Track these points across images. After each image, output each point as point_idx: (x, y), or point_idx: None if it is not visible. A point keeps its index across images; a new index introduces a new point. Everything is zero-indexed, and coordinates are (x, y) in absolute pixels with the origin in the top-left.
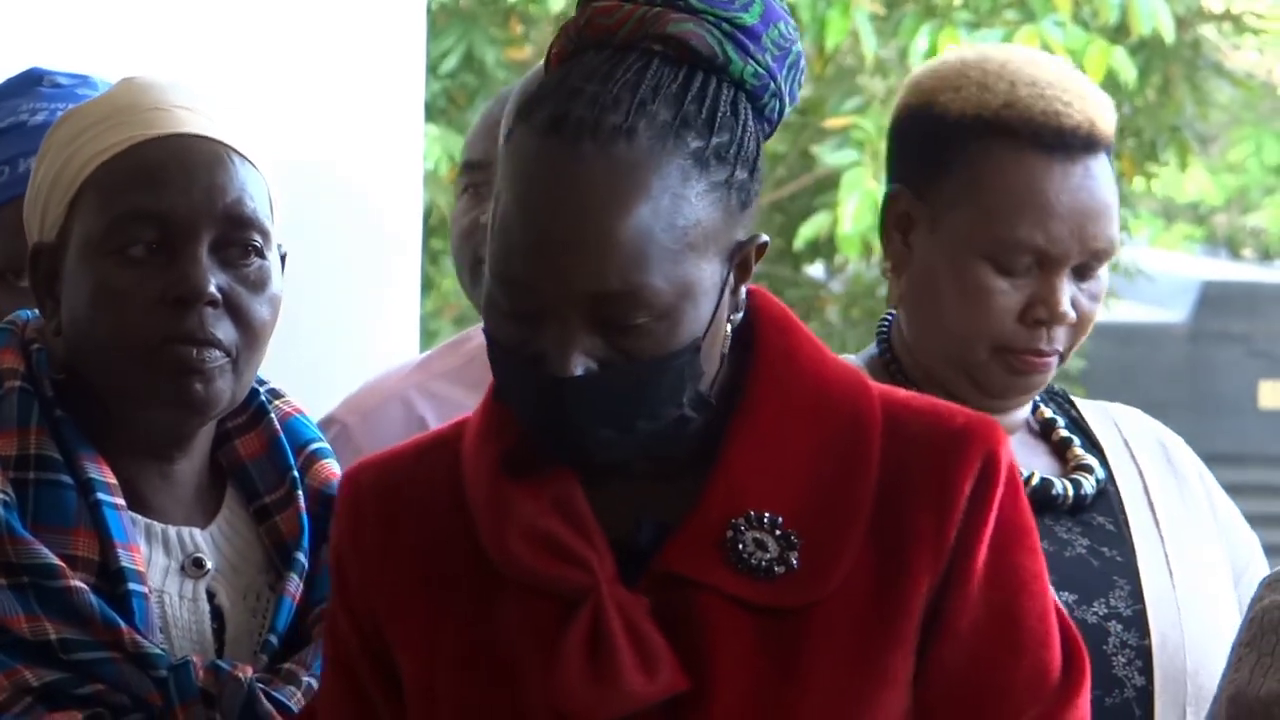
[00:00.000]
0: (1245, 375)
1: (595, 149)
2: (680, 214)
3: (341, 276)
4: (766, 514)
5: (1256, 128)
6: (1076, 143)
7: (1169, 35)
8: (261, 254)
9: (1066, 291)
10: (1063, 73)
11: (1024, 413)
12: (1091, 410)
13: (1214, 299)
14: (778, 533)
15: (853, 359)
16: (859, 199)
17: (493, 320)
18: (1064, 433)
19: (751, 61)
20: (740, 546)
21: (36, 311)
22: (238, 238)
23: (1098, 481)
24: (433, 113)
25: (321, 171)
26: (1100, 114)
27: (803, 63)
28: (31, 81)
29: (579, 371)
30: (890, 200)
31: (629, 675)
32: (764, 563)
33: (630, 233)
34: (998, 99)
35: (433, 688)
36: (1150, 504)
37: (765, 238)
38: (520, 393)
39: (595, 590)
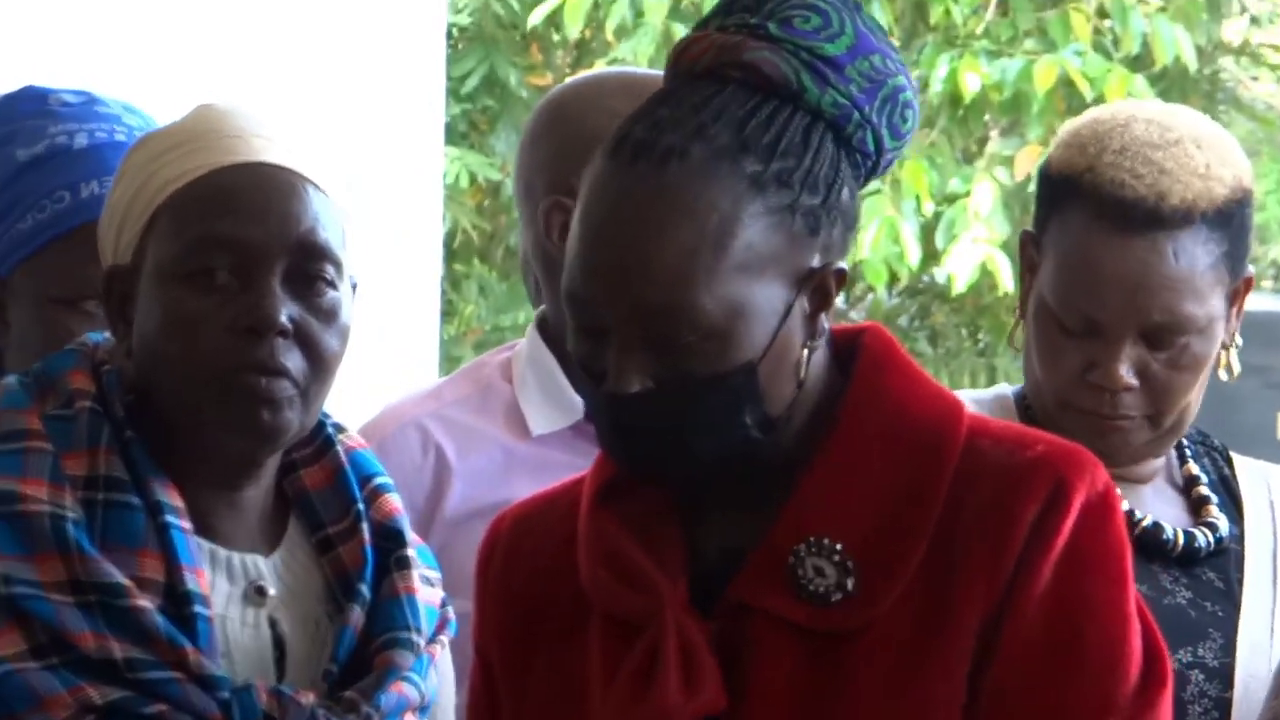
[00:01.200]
0: (1265, 406)
1: (649, 169)
2: (730, 235)
3: (360, 303)
4: (826, 539)
5: (1275, 161)
6: (1137, 216)
7: (1192, 65)
8: (334, 285)
9: (1125, 359)
10: (1168, 140)
11: (1157, 462)
12: (1247, 470)
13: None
14: (836, 559)
15: (1005, 390)
16: (879, 225)
17: (570, 336)
18: (1204, 490)
19: (831, 90)
20: (800, 573)
21: (107, 334)
22: (310, 268)
23: (1218, 539)
24: (454, 135)
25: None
26: (1185, 190)
27: (904, 96)
28: (36, 100)
29: (634, 388)
30: (1020, 243)
31: (670, 695)
32: (822, 588)
33: (673, 251)
34: (1085, 162)
35: (520, 712)
36: (1276, 569)
37: (844, 265)
38: (591, 410)
39: (660, 616)
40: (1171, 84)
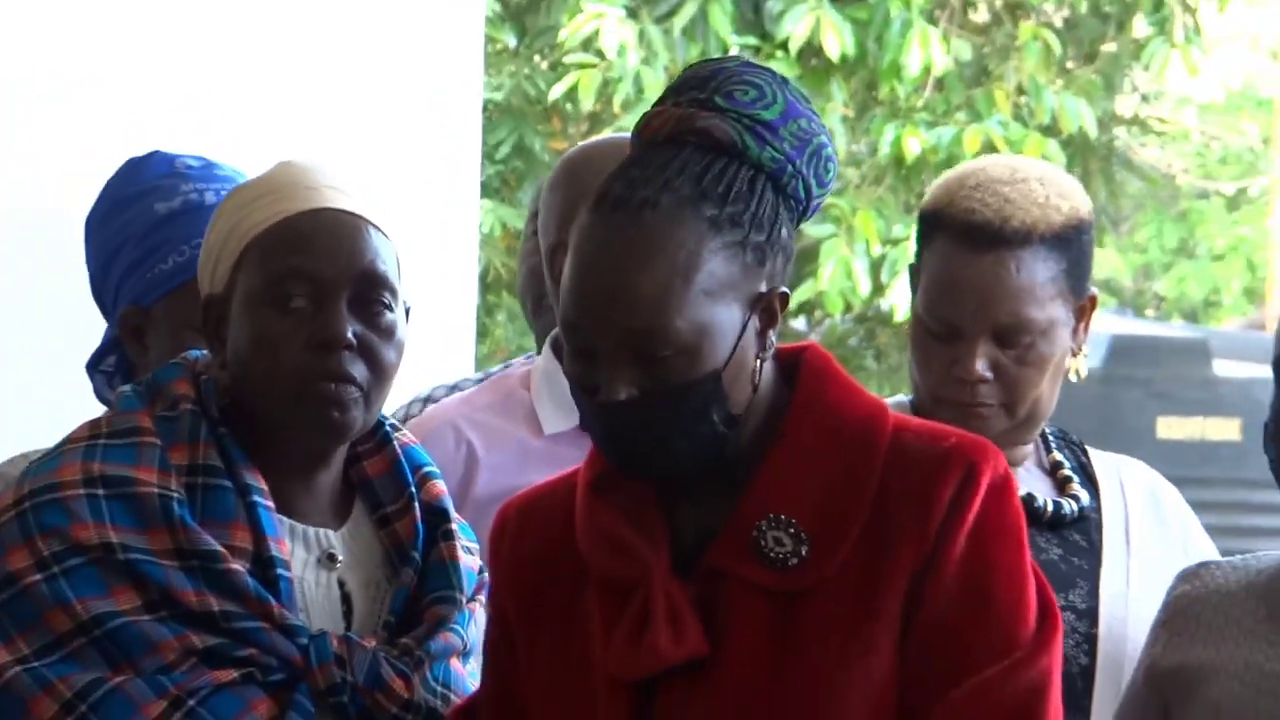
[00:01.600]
0: (1146, 412)
1: (626, 218)
2: (696, 267)
3: (412, 325)
4: (783, 515)
5: (1158, 213)
6: (985, 236)
7: (1092, 133)
8: (390, 308)
9: (980, 355)
10: (1015, 178)
11: (1026, 449)
12: (1100, 458)
13: (1121, 350)
14: (791, 531)
15: (902, 397)
16: (835, 263)
17: (565, 359)
18: (1067, 471)
19: (769, 148)
20: (762, 543)
21: (205, 351)
22: (371, 294)
23: (1080, 508)
24: (489, 190)
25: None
26: (1025, 215)
27: (826, 152)
28: (165, 164)
29: (622, 397)
30: (910, 275)
31: (661, 643)
32: (781, 555)
33: (651, 282)
34: (947, 199)
35: (533, 663)
36: (1127, 533)
37: (785, 290)
38: (587, 418)
39: (647, 580)
40: (1076, 149)
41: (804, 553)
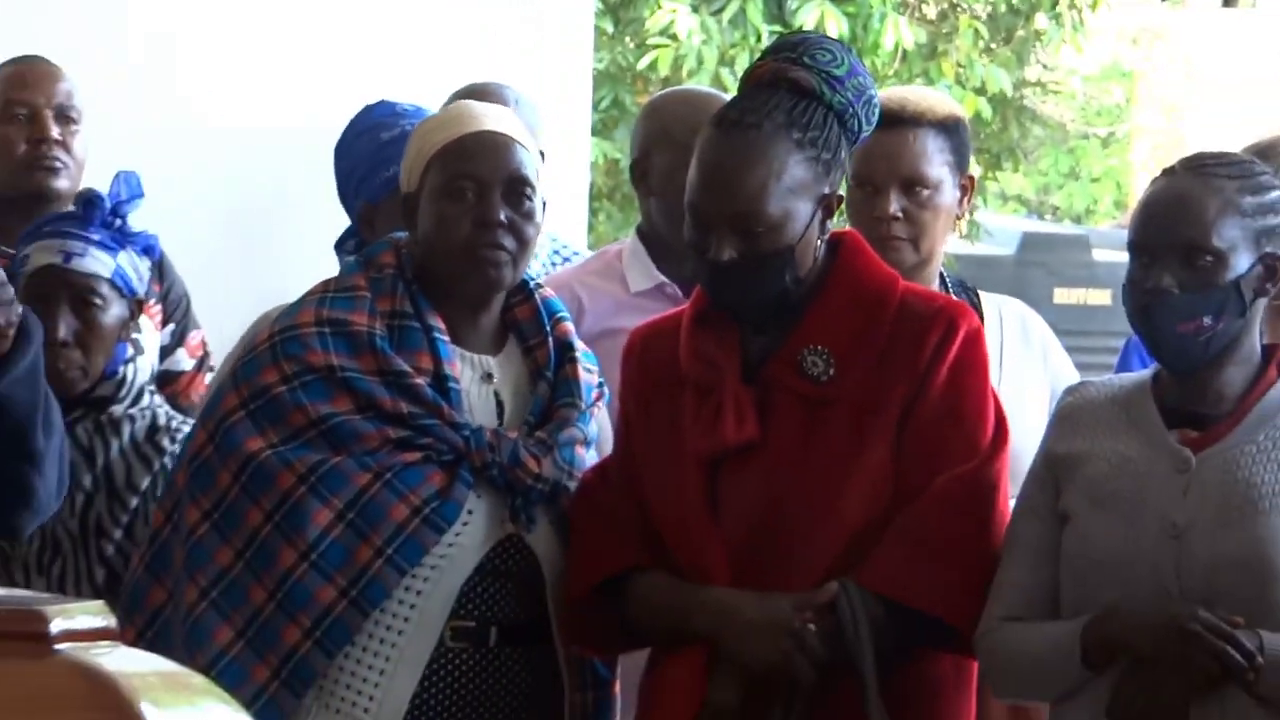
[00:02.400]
0: (1046, 285)
1: (738, 134)
2: (783, 172)
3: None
4: (820, 346)
5: (1054, 149)
6: (890, 117)
7: (1009, 93)
8: (530, 199)
9: (892, 201)
10: (915, 89)
11: (931, 286)
12: (987, 299)
13: (1029, 243)
14: (825, 357)
15: None
16: None
17: (687, 229)
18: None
19: (838, 95)
20: (804, 364)
21: (405, 233)
22: (517, 189)
23: None
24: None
25: None
26: (917, 106)
27: (875, 101)
28: (387, 107)
29: (725, 258)
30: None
31: (727, 429)
32: (815, 373)
33: (753, 181)
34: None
35: (645, 443)
36: (1001, 349)
37: (840, 193)
38: (699, 271)
39: (722, 384)
40: (998, 104)
41: (831, 373)
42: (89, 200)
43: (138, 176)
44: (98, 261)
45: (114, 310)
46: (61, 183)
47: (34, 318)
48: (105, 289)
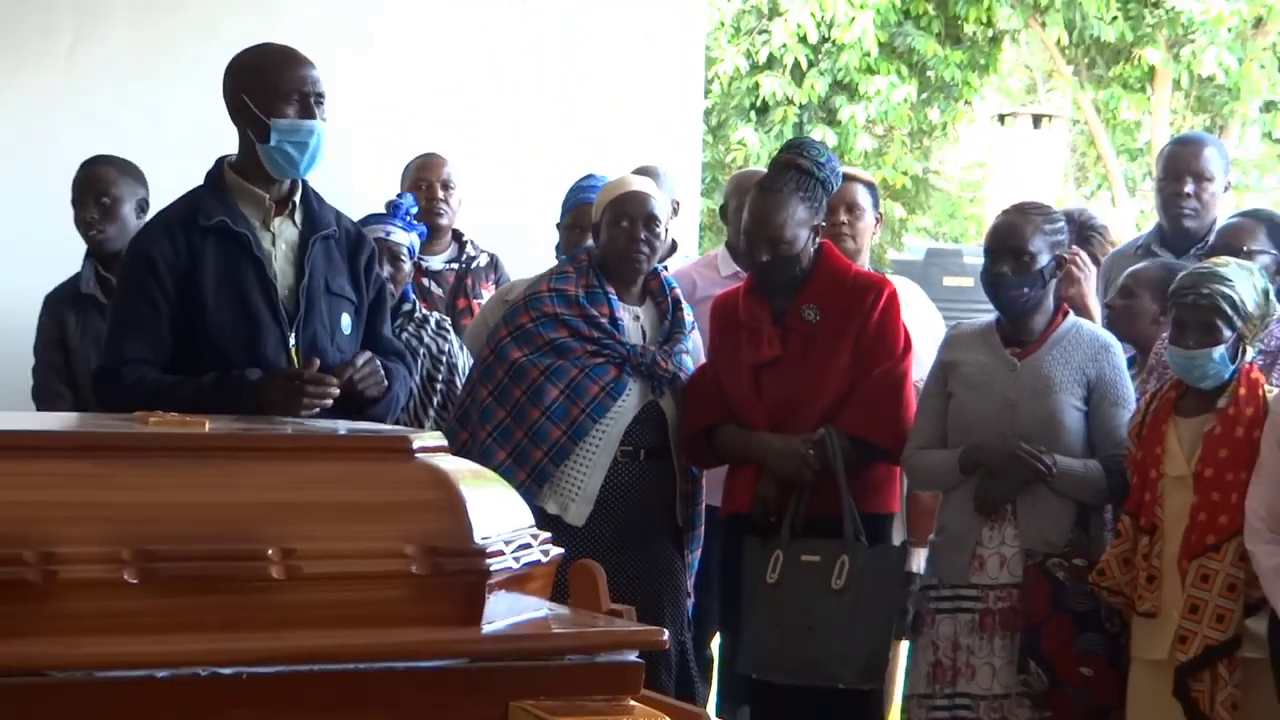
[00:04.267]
0: (939, 276)
1: (770, 194)
2: (793, 215)
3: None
4: (812, 304)
5: (944, 202)
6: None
7: (921, 174)
8: (658, 228)
9: (843, 218)
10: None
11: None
12: (902, 281)
13: (931, 253)
14: (814, 309)
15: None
16: None
17: (744, 244)
18: None
19: (822, 173)
20: (804, 313)
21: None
22: (650, 224)
23: None
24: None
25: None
26: (855, 175)
27: (839, 175)
28: (589, 178)
29: (765, 259)
30: None
31: (763, 349)
32: (810, 318)
33: (778, 220)
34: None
35: (723, 358)
36: (905, 305)
37: (821, 224)
38: (752, 267)
39: (759, 324)
40: (916, 180)
41: (818, 319)
42: (394, 204)
43: (413, 197)
44: (403, 236)
45: (407, 265)
46: (442, 220)
47: (394, 369)
48: (404, 252)
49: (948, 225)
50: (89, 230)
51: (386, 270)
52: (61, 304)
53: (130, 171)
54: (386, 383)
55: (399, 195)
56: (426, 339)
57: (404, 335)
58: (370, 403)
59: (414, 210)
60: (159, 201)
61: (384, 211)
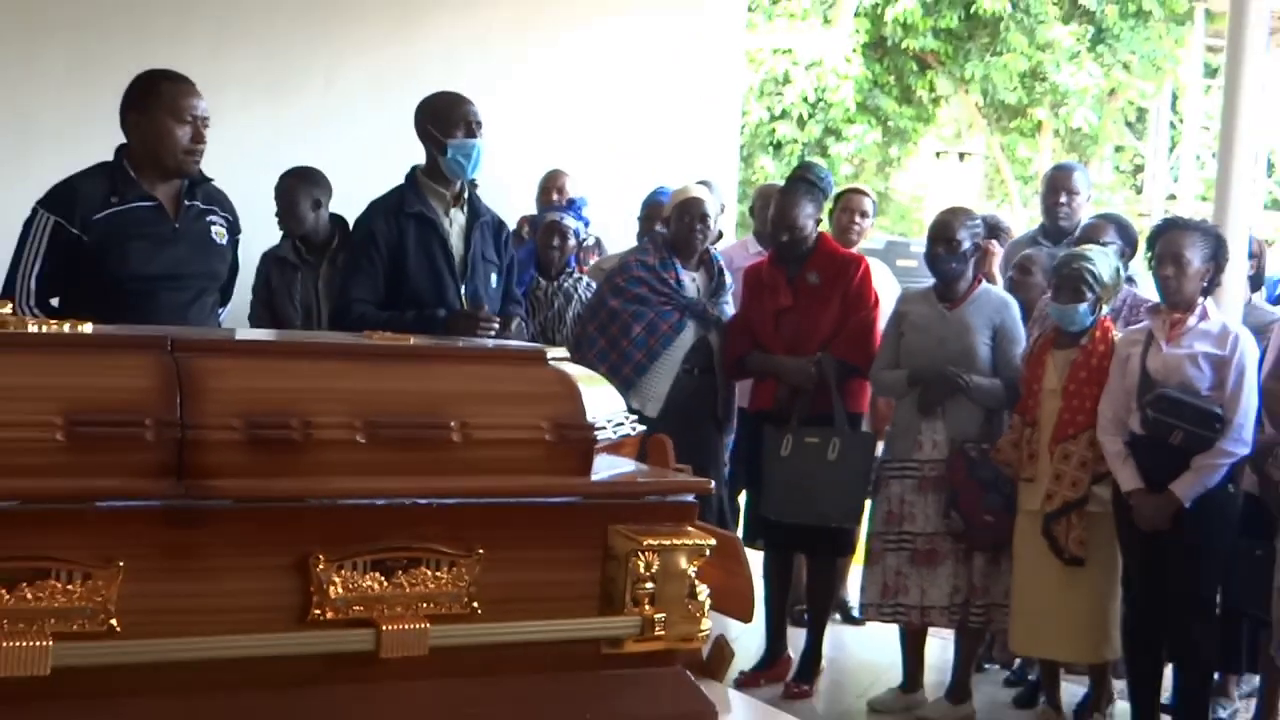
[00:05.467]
0: (894, 259)
1: (790, 193)
2: (805, 211)
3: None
4: (815, 270)
5: (901, 210)
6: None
7: (883, 189)
8: (708, 220)
9: (850, 218)
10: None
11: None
12: (873, 260)
13: (890, 244)
14: (817, 274)
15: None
16: None
17: (771, 231)
18: None
19: (823, 184)
20: (809, 277)
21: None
22: (704, 219)
23: None
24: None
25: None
26: (850, 187)
27: (832, 186)
28: (660, 191)
29: (785, 239)
30: None
31: (781, 300)
32: (814, 281)
33: (795, 214)
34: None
35: (752, 305)
36: (874, 277)
37: (821, 217)
38: (774, 245)
39: (777, 285)
40: (880, 196)
41: (819, 281)
42: (571, 202)
43: (585, 200)
44: (572, 222)
45: (572, 242)
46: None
47: (516, 312)
48: (571, 234)
49: (900, 225)
50: (284, 221)
51: (556, 242)
52: (269, 261)
53: (310, 178)
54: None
55: (571, 197)
56: (580, 292)
57: (566, 286)
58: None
59: (584, 207)
60: (376, 191)
61: (562, 205)
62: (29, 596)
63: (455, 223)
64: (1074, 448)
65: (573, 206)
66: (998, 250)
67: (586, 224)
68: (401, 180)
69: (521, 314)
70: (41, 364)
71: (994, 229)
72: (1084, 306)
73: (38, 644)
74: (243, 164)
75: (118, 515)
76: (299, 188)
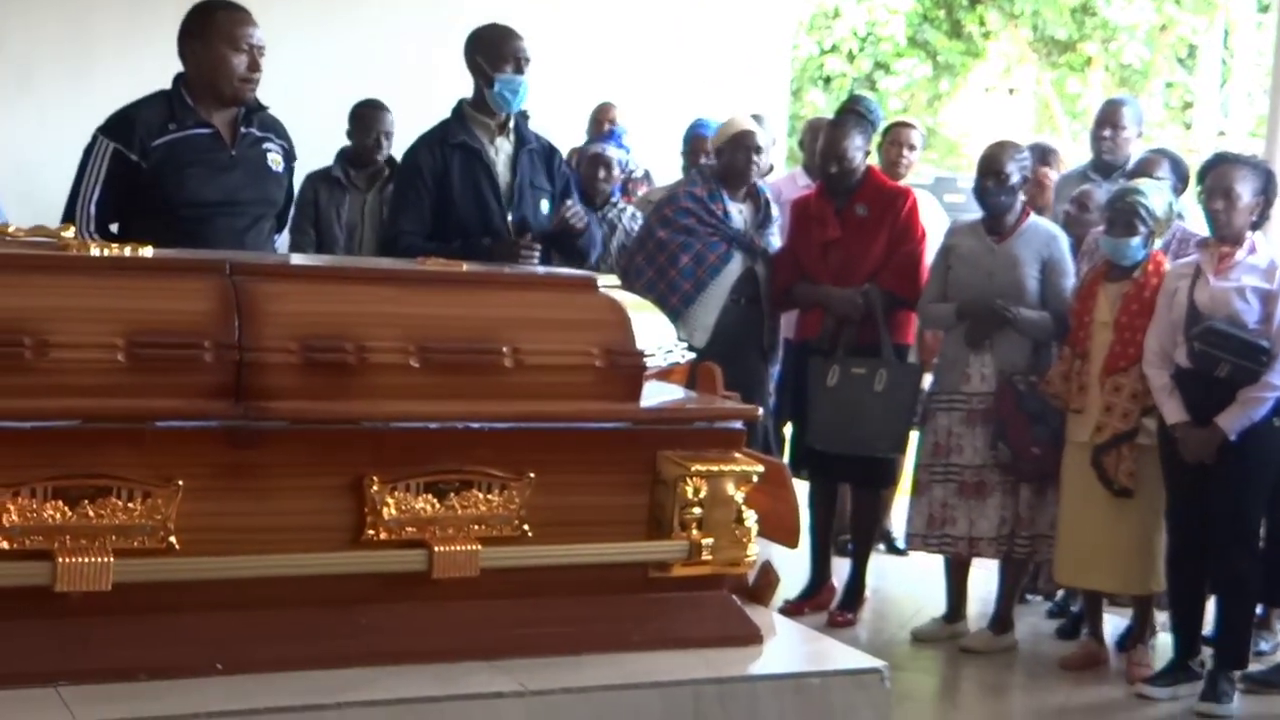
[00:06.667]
0: (942, 192)
1: (840, 125)
2: (854, 142)
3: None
4: (863, 202)
5: (949, 146)
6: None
7: (934, 126)
8: (760, 152)
9: (897, 151)
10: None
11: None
12: (920, 191)
13: (938, 179)
14: (865, 205)
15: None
16: None
17: (820, 162)
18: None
19: (871, 116)
20: (858, 208)
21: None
22: (755, 152)
23: None
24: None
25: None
26: (899, 119)
27: (881, 119)
28: (700, 123)
29: (834, 170)
30: None
31: (829, 232)
32: (863, 212)
33: (844, 146)
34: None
35: (799, 236)
36: (923, 210)
37: (871, 149)
38: (823, 176)
39: (825, 216)
40: (930, 131)
41: (867, 213)
42: (611, 133)
43: (624, 129)
44: (615, 152)
45: (616, 171)
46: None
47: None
48: (614, 164)
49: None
50: (358, 146)
51: (601, 173)
52: (316, 180)
53: (385, 110)
54: (586, 220)
55: (614, 127)
56: (624, 222)
57: (610, 216)
58: (578, 235)
59: (624, 136)
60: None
61: (605, 135)
62: (90, 514)
63: (502, 151)
64: (1125, 380)
65: (613, 136)
66: (1052, 179)
67: (628, 152)
68: (448, 114)
69: (594, 220)
70: (103, 287)
71: (1045, 154)
72: (1137, 240)
73: (100, 560)
74: (294, 91)
75: (177, 435)
76: (382, 118)
